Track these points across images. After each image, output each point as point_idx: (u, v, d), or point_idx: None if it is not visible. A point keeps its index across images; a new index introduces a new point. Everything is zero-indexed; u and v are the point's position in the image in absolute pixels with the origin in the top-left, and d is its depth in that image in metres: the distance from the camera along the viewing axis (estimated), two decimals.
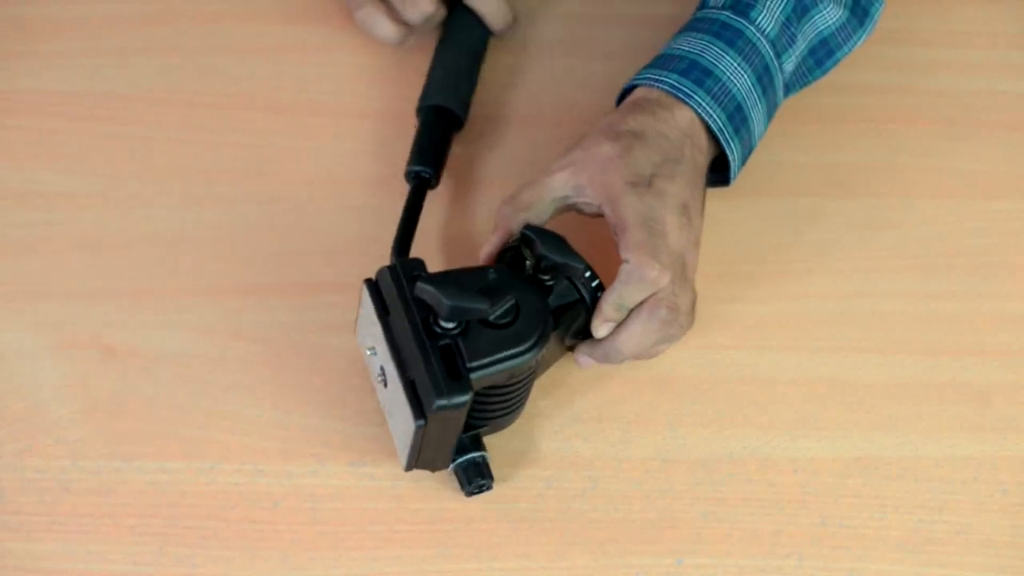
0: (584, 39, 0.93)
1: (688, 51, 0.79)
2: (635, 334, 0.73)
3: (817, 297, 0.82)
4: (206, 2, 0.93)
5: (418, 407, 0.67)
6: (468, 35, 0.89)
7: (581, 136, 0.78)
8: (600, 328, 0.73)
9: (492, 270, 0.70)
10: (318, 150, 0.87)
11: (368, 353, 0.72)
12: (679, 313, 0.73)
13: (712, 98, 0.77)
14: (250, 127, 0.87)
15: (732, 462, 0.76)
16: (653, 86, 0.78)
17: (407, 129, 0.86)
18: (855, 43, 0.85)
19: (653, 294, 0.72)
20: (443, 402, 0.66)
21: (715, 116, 0.77)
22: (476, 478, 0.72)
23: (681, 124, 0.77)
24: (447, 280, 0.68)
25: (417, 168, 0.82)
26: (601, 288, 0.73)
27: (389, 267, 0.70)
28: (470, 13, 0.89)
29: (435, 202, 0.83)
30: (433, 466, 0.72)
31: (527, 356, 0.68)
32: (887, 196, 0.87)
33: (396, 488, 0.74)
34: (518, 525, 0.73)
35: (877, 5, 0.86)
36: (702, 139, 0.78)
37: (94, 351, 0.78)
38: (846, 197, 0.87)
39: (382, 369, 0.70)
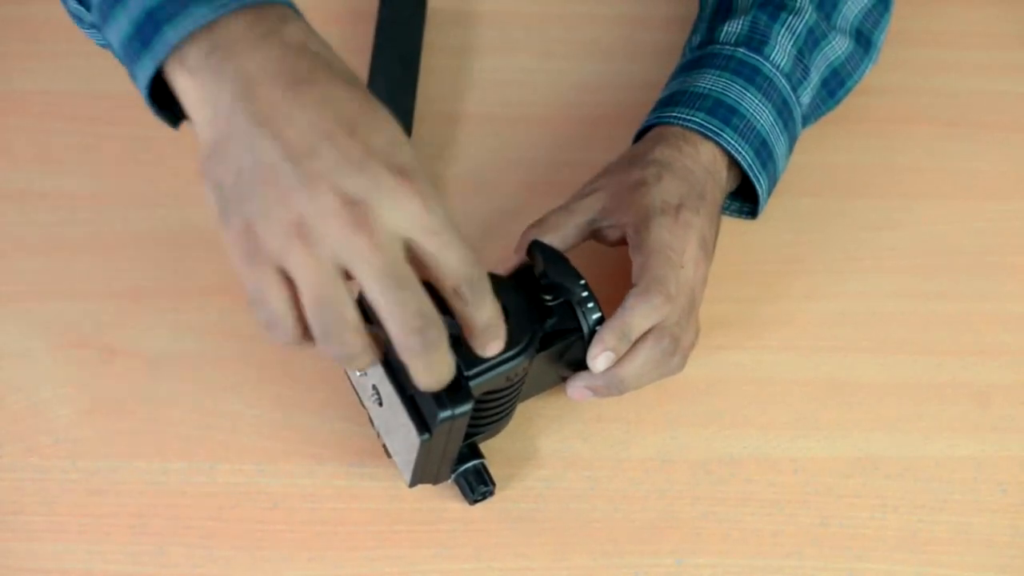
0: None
1: (711, 89, 0.79)
2: (639, 362, 0.72)
3: (817, 297, 0.82)
4: None
5: (421, 422, 0.66)
6: (401, 41, 0.90)
7: (604, 166, 0.78)
8: (599, 359, 0.70)
9: None
10: None
11: (357, 373, 0.71)
12: (679, 347, 0.73)
13: (739, 135, 0.78)
14: None
15: (732, 462, 0.76)
16: (680, 125, 0.78)
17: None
18: (863, 72, 0.86)
19: (659, 323, 0.72)
20: (447, 414, 0.65)
21: (744, 153, 0.78)
22: (479, 485, 0.72)
23: (704, 160, 0.77)
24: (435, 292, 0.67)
25: None
26: (600, 320, 0.71)
27: None
28: (397, 24, 0.90)
29: None
30: (436, 479, 0.71)
31: (522, 358, 0.68)
32: (887, 196, 0.87)
33: (396, 488, 0.73)
34: (518, 525, 0.73)
35: (878, 34, 0.86)
36: (722, 175, 0.78)
37: (94, 351, 0.78)
38: (846, 197, 0.87)
39: (375, 388, 0.69)
